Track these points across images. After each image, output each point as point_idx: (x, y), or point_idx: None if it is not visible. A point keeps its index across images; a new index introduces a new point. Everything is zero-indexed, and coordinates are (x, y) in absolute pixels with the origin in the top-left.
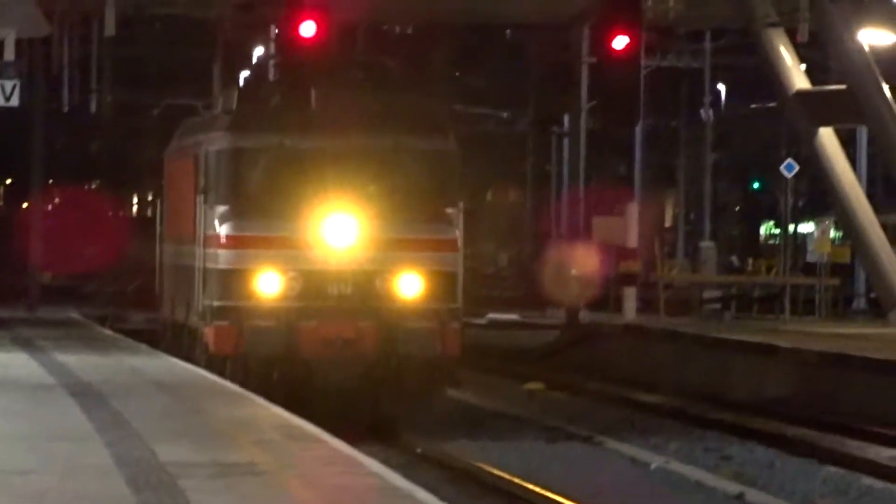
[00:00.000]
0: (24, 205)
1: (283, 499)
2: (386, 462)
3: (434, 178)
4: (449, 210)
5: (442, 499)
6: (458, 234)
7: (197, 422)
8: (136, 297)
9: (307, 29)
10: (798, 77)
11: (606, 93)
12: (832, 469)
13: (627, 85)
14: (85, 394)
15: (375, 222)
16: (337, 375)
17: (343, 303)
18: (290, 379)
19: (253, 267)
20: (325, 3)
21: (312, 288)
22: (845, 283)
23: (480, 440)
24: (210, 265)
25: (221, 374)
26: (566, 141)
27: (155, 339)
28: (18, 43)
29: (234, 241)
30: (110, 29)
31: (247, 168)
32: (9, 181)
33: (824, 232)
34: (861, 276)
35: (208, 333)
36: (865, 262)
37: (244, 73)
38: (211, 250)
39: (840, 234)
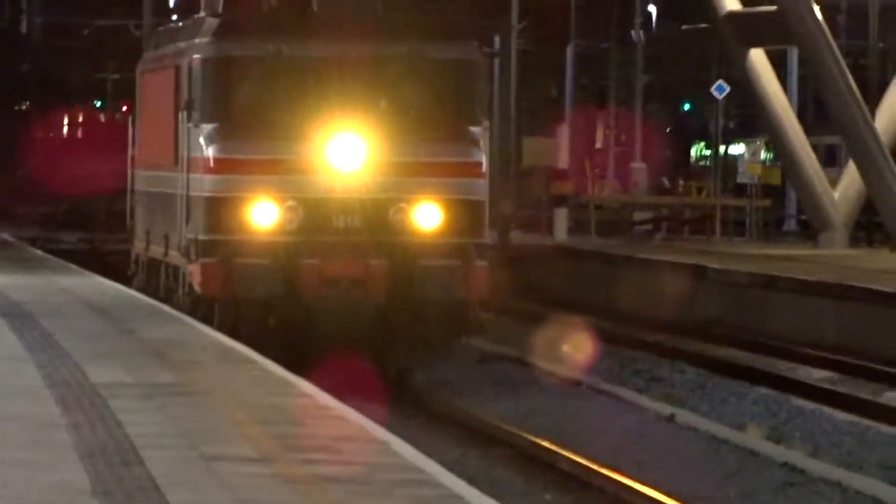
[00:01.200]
0: None
1: (213, 418)
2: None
3: (456, 91)
4: (473, 129)
5: (371, 418)
6: (485, 156)
7: (127, 342)
8: (65, 218)
9: None
10: None
11: (538, 12)
12: (763, 390)
13: (558, 3)
14: (15, 314)
15: (388, 143)
16: (342, 321)
17: (350, 237)
18: (289, 325)
19: (245, 195)
20: None
21: (314, 219)
22: (776, 204)
23: (410, 359)
24: (195, 193)
25: (208, 318)
26: (496, 62)
27: (86, 259)
28: None
29: (223, 165)
30: None
31: (238, 80)
32: None
33: (755, 153)
34: (792, 197)
35: (193, 272)
36: (796, 183)
37: None
38: (196, 176)
39: (771, 155)
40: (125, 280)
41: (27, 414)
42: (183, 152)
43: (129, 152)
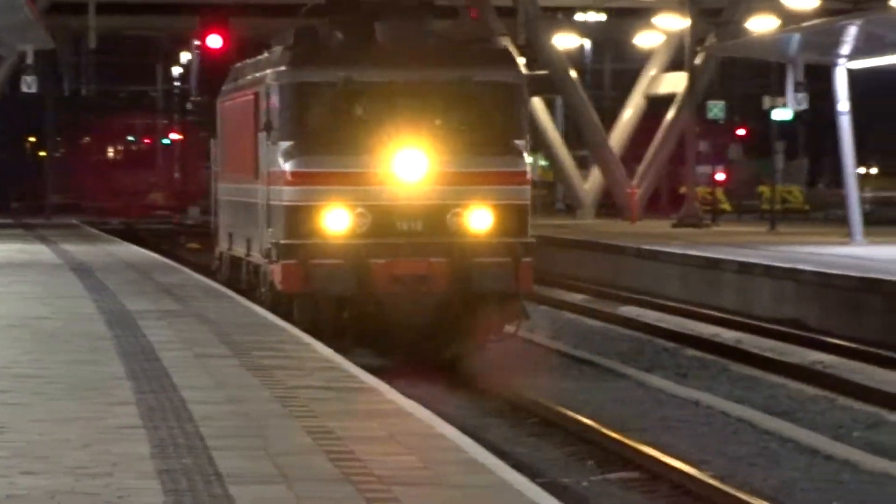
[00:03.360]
0: (42, 154)
1: (201, 330)
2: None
3: (502, 110)
4: (517, 142)
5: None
6: (528, 166)
7: (150, 285)
8: (113, 208)
9: (214, 41)
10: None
11: None
12: (544, 307)
13: None
14: (80, 269)
15: (445, 156)
16: (408, 313)
17: (413, 238)
18: (361, 317)
19: (320, 203)
20: (225, 23)
21: (382, 224)
22: (550, 192)
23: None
24: (275, 202)
25: (288, 312)
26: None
27: (123, 235)
28: (35, 53)
29: (300, 178)
30: (92, 43)
31: (312, 102)
32: (32, 139)
33: (536, 161)
34: (560, 189)
35: (275, 271)
36: (562, 179)
37: (175, 68)
38: (275, 187)
39: (546, 162)
40: (148, 247)
41: (87, 330)
42: (263, 167)
43: (212, 168)
